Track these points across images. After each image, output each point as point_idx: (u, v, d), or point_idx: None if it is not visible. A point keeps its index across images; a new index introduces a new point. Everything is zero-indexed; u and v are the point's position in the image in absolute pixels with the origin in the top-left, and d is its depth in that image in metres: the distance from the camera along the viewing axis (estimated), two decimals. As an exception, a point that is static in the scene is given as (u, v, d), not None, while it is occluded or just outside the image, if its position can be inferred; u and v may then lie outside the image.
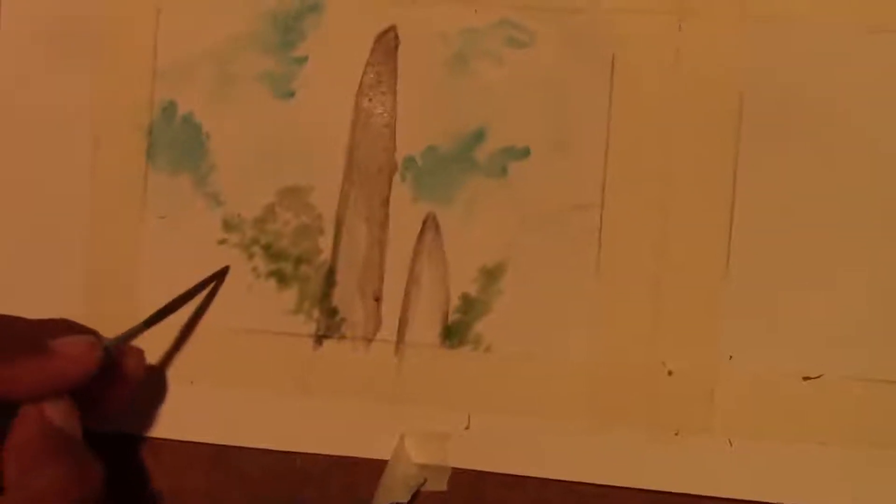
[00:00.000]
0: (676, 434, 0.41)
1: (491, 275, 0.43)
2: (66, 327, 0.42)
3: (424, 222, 0.44)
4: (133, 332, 0.43)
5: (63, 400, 0.40)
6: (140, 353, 0.43)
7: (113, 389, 0.42)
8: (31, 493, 0.38)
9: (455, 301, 0.43)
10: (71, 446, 0.39)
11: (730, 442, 0.41)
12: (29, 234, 0.47)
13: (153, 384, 0.45)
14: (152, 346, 0.44)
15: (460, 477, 0.43)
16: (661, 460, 0.41)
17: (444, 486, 0.43)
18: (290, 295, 0.45)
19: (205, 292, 0.45)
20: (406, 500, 0.43)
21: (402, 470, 0.43)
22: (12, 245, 0.47)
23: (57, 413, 0.39)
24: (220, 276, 0.45)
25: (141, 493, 0.45)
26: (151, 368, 0.44)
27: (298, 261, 0.45)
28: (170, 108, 0.46)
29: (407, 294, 0.44)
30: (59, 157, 0.47)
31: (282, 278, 0.45)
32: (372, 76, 0.44)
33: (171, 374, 0.45)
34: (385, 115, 0.44)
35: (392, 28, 0.44)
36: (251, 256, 0.45)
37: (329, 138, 0.44)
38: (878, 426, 0.39)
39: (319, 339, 0.44)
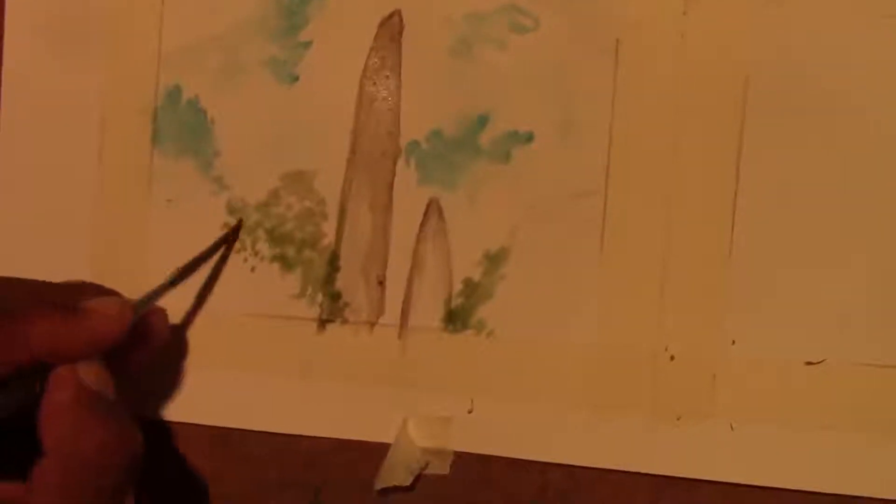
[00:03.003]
0: (679, 419, 0.41)
1: (494, 260, 0.43)
2: (91, 288, 0.41)
3: (428, 207, 0.44)
4: (158, 290, 0.42)
5: (95, 362, 0.39)
6: (164, 312, 0.43)
7: (138, 350, 0.41)
8: (73, 457, 0.37)
9: (458, 286, 0.43)
10: (109, 409, 0.39)
11: (732, 427, 0.40)
12: (36, 218, 0.47)
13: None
14: (157, 329, 0.44)
15: (463, 461, 0.43)
16: (664, 445, 0.41)
17: (446, 470, 0.43)
18: (294, 279, 0.45)
19: (219, 252, 0.45)
20: (408, 484, 0.43)
21: (404, 453, 0.43)
22: (20, 229, 0.48)
23: (91, 375, 0.38)
24: (235, 233, 0.45)
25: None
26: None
27: (302, 245, 0.45)
28: (175, 93, 0.46)
29: (410, 278, 0.44)
30: (67, 141, 0.47)
31: (285, 262, 0.45)
32: (376, 60, 0.44)
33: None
34: (389, 99, 0.44)
35: (396, 12, 0.44)
36: (255, 240, 0.45)
37: (333, 123, 0.44)
38: (880, 411, 0.39)
39: (323, 323, 0.44)
